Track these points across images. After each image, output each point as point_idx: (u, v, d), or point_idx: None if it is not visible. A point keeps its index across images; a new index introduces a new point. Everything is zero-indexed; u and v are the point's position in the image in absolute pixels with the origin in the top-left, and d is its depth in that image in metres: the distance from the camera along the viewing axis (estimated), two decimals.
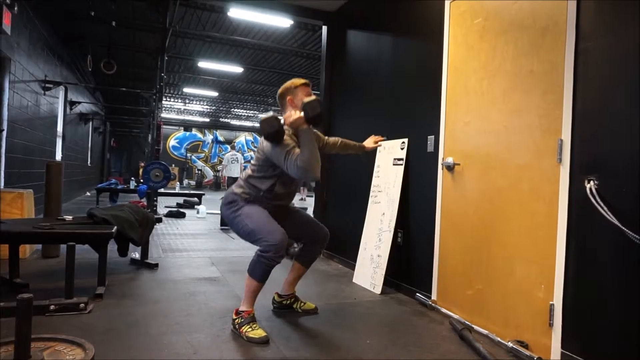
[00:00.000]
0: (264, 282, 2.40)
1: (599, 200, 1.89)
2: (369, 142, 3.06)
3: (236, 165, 12.11)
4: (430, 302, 2.92)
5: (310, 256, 2.74)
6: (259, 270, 2.35)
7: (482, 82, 2.63)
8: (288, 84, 2.56)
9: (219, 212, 6.90)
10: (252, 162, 2.60)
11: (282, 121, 2.36)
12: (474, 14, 2.71)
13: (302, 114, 2.30)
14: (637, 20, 1.82)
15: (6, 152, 4.85)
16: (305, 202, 11.71)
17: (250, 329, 2.27)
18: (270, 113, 2.41)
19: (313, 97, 2.39)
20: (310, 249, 2.72)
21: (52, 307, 2.43)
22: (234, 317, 2.38)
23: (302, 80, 2.56)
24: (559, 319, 2.07)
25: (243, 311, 2.36)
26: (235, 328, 2.33)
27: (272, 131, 2.29)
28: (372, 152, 3.76)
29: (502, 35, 2.50)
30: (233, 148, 13.45)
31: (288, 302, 2.76)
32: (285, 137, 2.33)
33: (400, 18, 3.60)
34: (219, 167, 18.24)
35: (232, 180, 12.28)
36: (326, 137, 2.90)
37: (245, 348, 2.15)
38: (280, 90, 2.58)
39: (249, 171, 2.55)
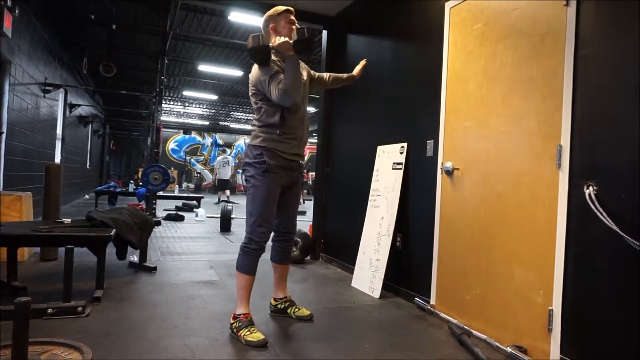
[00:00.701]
0: (253, 274, 2.44)
1: (598, 206, 1.89)
2: (356, 70, 3.02)
3: (227, 167, 12.46)
4: (429, 307, 2.91)
5: (281, 253, 2.69)
6: (246, 262, 2.42)
7: (481, 87, 2.63)
8: (271, 11, 2.52)
9: (219, 215, 6.92)
10: (254, 110, 2.53)
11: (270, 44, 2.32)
12: (473, 20, 2.73)
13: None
14: (637, 28, 1.84)
15: (5, 154, 4.85)
16: (303, 205, 11.68)
17: (248, 333, 2.26)
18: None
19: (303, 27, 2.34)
20: (280, 245, 2.67)
21: (49, 310, 2.42)
22: (232, 321, 2.37)
23: (284, 7, 2.51)
24: (558, 324, 2.07)
25: (240, 315, 2.36)
26: (234, 332, 2.33)
27: (256, 45, 2.26)
28: (372, 157, 3.77)
29: (501, 41, 2.51)
30: (224, 152, 13.77)
31: (282, 306, 2.72)
32: (272, 62, 2.32)
33: (400, 23, 3.61)
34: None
35: (223, 182, 12.52)
36: (315, 72, 2.83)
37: (243, 352, 2.15)
38: (263, 18, 2.53)
39: (255, 121, 2.49)
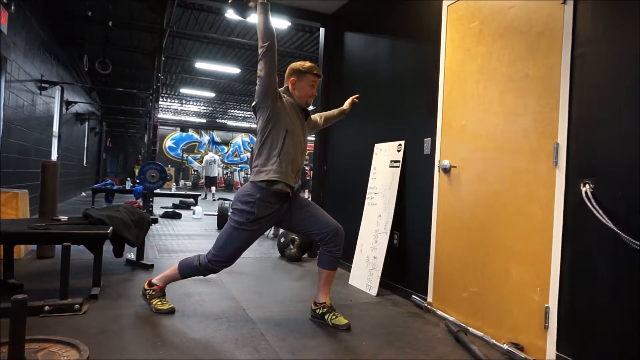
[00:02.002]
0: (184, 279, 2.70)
1: (594, 203, 1.90)
2: (346, 104, 3.16)
3: (214, 166, 13.05)
4: (426, 304, 2.92)
5: (331, 258, 2.61)
6: (189, 272, 2.62)
7: (478, 86, 2.64)
8: (299, 65, 2.53)
9: (215, 213, 6.91)
10: (256, 144, 2.54)
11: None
12: (471, 18, 2.73)
13: None
14: (634, 26, 1.84)
15: (1, 151, 4.82)
16: None
17: (160, 303, 2.60)
18: None
19: None
20: (328, 247, 2.60)
21: (46, 308, 2.42)
22: (146, 287, 2.63)
23: (318, 71, 2.55)
24: (554, 322, 2.08)
25: (156, 285, 2.63)
26: (146, 298, 2.62)
27: None
28: (369, 155, 3.77)
29: (498, 39, 2.51)
30: (211, 151, 14.46)
31: (320, 311, 2.63)
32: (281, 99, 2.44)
33: (397, 21, 3.61)
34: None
35: (210, 179, 13.27)
36: (313, 118, 2.87)
37: (241, 349, 2.15)
38: (290, 66, 2.55)
39: (260, 157, 2.47)
